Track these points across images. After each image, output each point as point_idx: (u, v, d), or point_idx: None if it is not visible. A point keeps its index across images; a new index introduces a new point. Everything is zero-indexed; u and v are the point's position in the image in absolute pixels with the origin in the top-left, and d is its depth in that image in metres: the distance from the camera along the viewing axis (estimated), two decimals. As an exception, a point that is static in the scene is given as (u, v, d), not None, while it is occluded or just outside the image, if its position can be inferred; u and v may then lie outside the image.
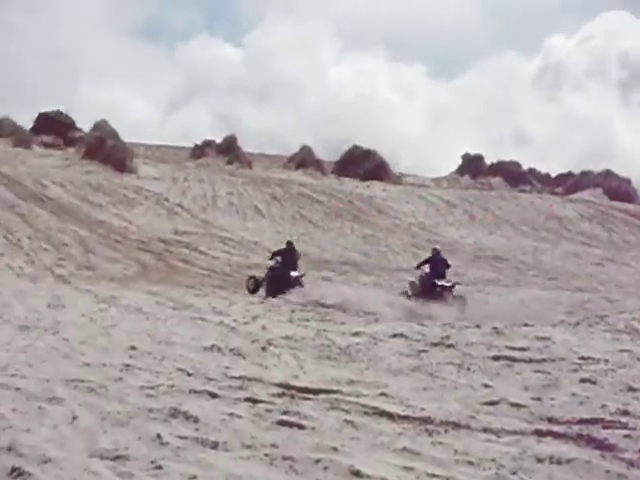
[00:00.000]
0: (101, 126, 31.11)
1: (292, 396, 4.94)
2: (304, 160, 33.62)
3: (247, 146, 35.15)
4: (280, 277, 10.98)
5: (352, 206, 25.03)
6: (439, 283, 10.52)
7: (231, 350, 6.47)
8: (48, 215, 18.44)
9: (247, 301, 10.50)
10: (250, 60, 74.84)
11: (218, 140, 34.78)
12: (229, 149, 34.08)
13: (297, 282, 11.00)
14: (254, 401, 4.84)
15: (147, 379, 5.55)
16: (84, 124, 34.47)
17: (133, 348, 6.50)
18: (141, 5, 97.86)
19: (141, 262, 14.98)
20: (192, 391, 5.19)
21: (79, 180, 24.02)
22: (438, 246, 12.11)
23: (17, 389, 5.15)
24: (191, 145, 36.29)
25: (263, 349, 6.59)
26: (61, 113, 35.96)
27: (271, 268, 11.27)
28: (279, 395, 4.98)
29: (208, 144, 35.19)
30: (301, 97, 74.00)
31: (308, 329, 7.86)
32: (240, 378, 5.45)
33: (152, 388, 5.30)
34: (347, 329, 7.85)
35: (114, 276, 13.01)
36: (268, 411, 4.62)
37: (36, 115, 35.37)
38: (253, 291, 11.36)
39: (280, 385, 5.22)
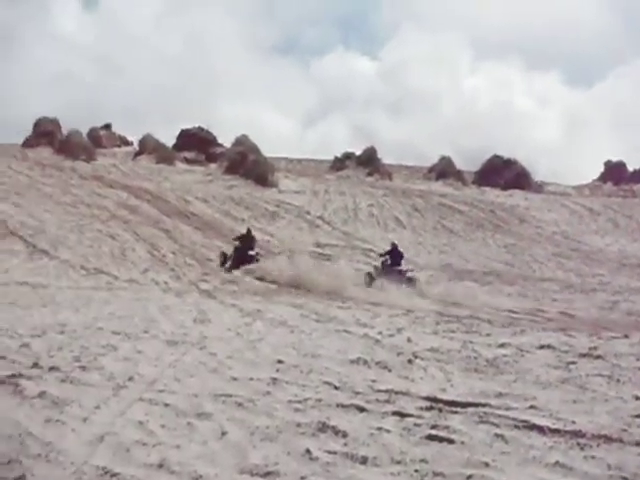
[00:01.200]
0: (242, 141, 34.72)
1: (440, 410, 5.32)
2: (444, 170, 36.72)
3: (385, 157, 38.87)
4: (241, 255, 16.13)
5: (494, 216, 27.12)
6: (396, 268, 15.55)
7: (377, 363, 7.05)
8: (192, 230, 20.87)
9: (391, 313, 11.32)
10: (385, 72, 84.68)
11: (357, 152, 38.53)
12: (369, 161, 37.51)
13: (253, 259, 16.19)
14: (402, 415, 5.27)
15: (294, 393, 6.19)
16: (225, 140, 38.99)
17: (280, 362, 7.27)
18: (277, 23, 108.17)
19: (274, 275, 16.00)
20: (339, 405, 5.75)
21: (221, 195, 27.01)
22: (396, 241, 17.50)
23: (166, 405, 5.90)
24: (331, 158, 40.05)
25: (409, 362, 7.12)
26: (202, 129, 40.51)
27: (236, 248, 16.36)
28: (427, 409, 5.38)
29: (348, 156, 38.73)
30: (437, 107, 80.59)
31: (454, 341, 8.39)
32: (387, 391, 5.94)
33: (300, 402, 5.91)
34: (493, 341, 8.32)
35: (257, 290, 14.21)
36: (416, 425, 5.02)
37: (178, 132, 40.56)
38: (222, 264, 16.24)
39: (428, 398, 5.63)
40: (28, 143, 38.13)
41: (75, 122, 39.90)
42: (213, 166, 35.86)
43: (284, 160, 39.50)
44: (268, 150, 34.59)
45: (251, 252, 16.39)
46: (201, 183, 30.66)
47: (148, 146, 38.54)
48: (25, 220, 19.71)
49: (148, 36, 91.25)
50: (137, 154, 38.36)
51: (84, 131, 38.40)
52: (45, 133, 38.47)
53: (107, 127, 43.84)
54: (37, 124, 39.22)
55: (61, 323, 9.42)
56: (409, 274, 15.52)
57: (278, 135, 74.23)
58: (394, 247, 16.40)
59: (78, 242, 17.86)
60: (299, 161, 42.85)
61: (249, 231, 17.23)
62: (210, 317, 10.41)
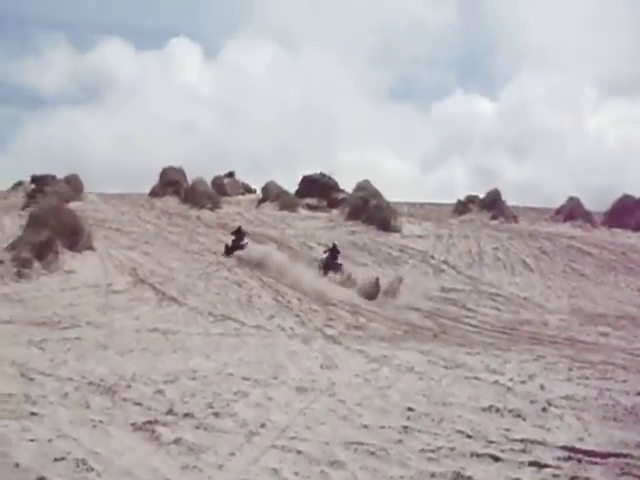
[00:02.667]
0: (364, 186, 36.04)
1: (579, 460, 5.46)
2: (572, 212, 36.77)
3: (509, 200, 39.38)
4: (236, 245, 24.48)
5: (625, 258, 27.08)
6: (335, 262, 22.84)
7: (510, 411, 7.27)
8: (314, 271, 21.92)
9: (521, 359, 11.40)
10: (506, 113, 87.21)
11: (480, 195, 39.39)
12: (493, 203, 38.14)
13: (243, 247, 24.33)
14: (539, 465, 5.48)
15: (427, 441, 6.53)
16: (346, 185, 40.64)
17: (410, 409, 7.64)
18: (393, 66, 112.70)
19: (409, 321, 16.82)
20: (474, 454, 6.04)
21: (344, 241, 27.99)
22: (336, 242, 24.72)
23: (298, 452, 6.38)
24: (452, 201, 41.10)
25: (543, 410, 7.29)
26: (324, 175, 42.30)
27: (233, 240, 24.76)
28: (565, 459, 5.54)
29: (471, 199, 39.50)
30: (561, 147, 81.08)
31: (589, 388, 8.40)
32: (522, 441, 6.17)
33: (433, 451, 6.24)
34: (630, 387, 8.27)
35: (383, 336, 14.76)
36: (555, 476, 5.24)
37: (300, 178, 42.68)
38: (226, 253, 24.20)
39: (565, 448, 5.79)
40: (155, 192, 41.70)
41: (199, 171, 42.93)
42: (335, 212, 37.23)
43: (406, 205, 40.56)
44: (389, 195, 35.74)
45: (242, 242, 24.74)
46: (324, 229, 31.99)
47: (271, 193, 40.71)
48: (154, 268, 21.60)
49: (266, 83, 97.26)
50: (261, 201, 40.62)
51: (208, 179, 41.33)
52: (171, 182, 41.91)
53: (231, 175, 46.82)
54: (163, 174, 42.85)
55: (192, 369, 10.36)
56: (341, 266, 22.88)
57: (398, 179, 76.08)
58: (334, 246, 23.74)
59: (205, 289, 19.24)
60: (421, 205, 44.07)
61: (240, 228, 26.28)
62: (337, 363, 11.01)
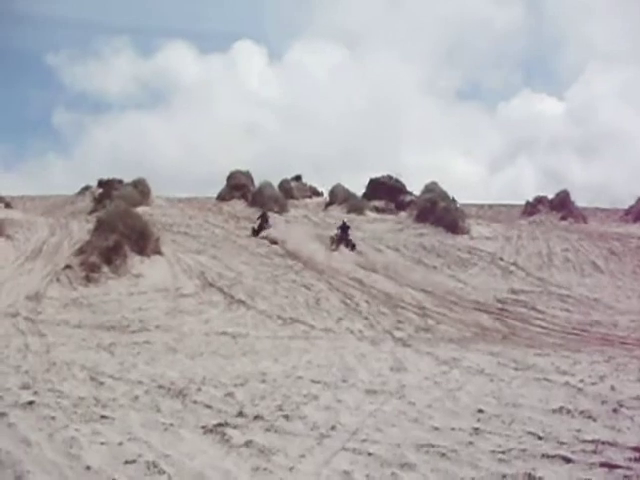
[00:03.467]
0: (431, 188, 36.31)
1: (651, 461, 5.42)
2: None
3: (578, 200, 40.07)
4: (260, 227, 29.55)
5: None
6: (346, 237, 26.97)
7: (581, 412, 7.41)
8: (384, 279, 22.32)
9: (591, 360, 11.45)
10: (574, 112, 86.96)
11: (549, 195, 40.15)
12: (562, 204, 38.79)
13: (269, 227, 29.68)
14: (610, 466, 5.59)
15: (497, 443, 6.68)
16: (414, 187, 41.12)
17: (480, 411, 7.81)
18: (458, 67, 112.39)
19: (478, 322, 17.02)
20: (545, 455, 6.17)
21: (413, 243, 28.44)
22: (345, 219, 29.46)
23: (369, 454, 6.58)
24: (520, 202, 41.84)
25: (614, 411, 7.42)
26: (391, 178, 42.59)
27: (259, 223, 30.03)
28: (636, 460, 5.65)
29: (540, 200, 40.10)
30: (631, 146, 79.71)
31: None
32: (593, 442, 6.30)
33: (504, 452, 6.40)
34: None
35: (452, 338, 15.03)
36: (627, 477, 5.35)
37: (367, 181, 43.01)
38: (254, 233, 29.48)
39: (636, 449, 5.90)
40: (222, 196, 42.80)
41: (266, 174, 44.01)
42: (403, 214, 37.55)
43: (474, 206, 40.98)
44: (457, 196, 35.94)
45: (266, 224, 29.96)
46: (392, 232, 32.27)
47: (338, 196, 41.20)
48: (222, 272, 22.25)
49: (331, 85, 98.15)
50: (328, 204, 41.17)
51: (275, 183, 42.08)
52: (238, 186, 42.95)
53: (297, 178, 47.55)
54: (230, 177, 43.93)
55: (262, 372, 10.72)
56: (352, 241, 27.10)
57: (466, 180, 75.79)
58: (343, 223, 28.17)
59: (274, 292, 19.77)
60: (490, 206, 44.56)
61: (264, 213, 31.26)
62: (406, 365, 11.27)
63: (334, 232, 27.75)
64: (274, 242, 27.48)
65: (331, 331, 15.73)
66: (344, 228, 27.65)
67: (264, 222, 30.18)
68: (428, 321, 17.09)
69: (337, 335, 15.28)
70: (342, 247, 26.80)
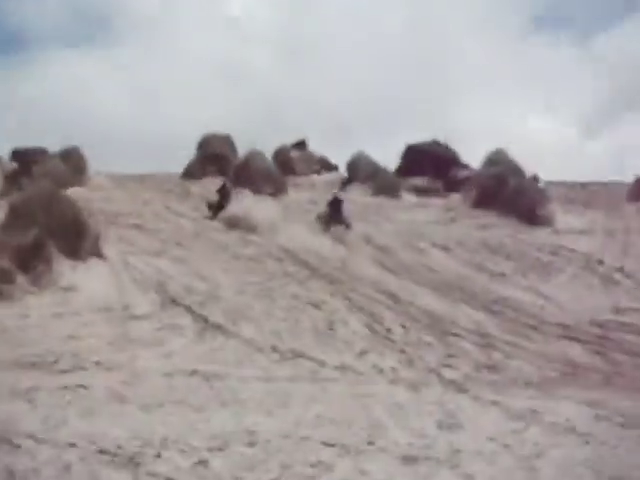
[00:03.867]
0: (497, 159, 36.80)
1: None
2: None
3: None
4: (220, 204, 32.36)
5: None
6: (338, 214, 29.91)
7: None
8: (428, 293, 22.32)
9: None
10: None
11: None
12: None
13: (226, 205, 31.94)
14: None
15: None
16: (471, 158, 42.18)
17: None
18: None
19: (568, 357, 16.95)
20: None
21: (470, 240, 28.65)
22: (338, 194, 32.86)
23: None
24: (629, 179, 40.99)
25: None
26: (438, 144, 42.57)
27: (218, 199, 32.89)
28: None
29: None
30: None
31: None
32: None
33: None
34: None
35: (530, 379, 14.98)
36: None
37: (403, 149, 43.08)
38: (211, 213, 32.15)
39: None
40: (191, 172, 43.17)
41: (255, 139, 44.22)
42: (455, 197, 37.95)
43: (560, 185, 40.60)
44: (535, 171, 36.10)
45: (225, 201, 32.46)
46: (438, 223, 32.61)
47: (360, 171, 41.30)
48: (191, 283, 22.26)
49: (351, 9, 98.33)
50: (345, 183, 41.19)
51: (268, 152, 42.36)
52: (214, 157, 43.21)
53: (301, 145, 47.71)
54: (203, 144, 44.22)
55: (249, 430, 10.74)
56: (347, 220, 30.00)
57: (548, 148, 75.19)
58: (334, 197, 31.42)
59: (266, 313, 19.80)
60: (583, 186, 44.29)
61: (225, 184, 34.22)
62: (461, 421, 11.31)
63: (321, 209, 30.83)
64: (241, 225, 29.65)
65: (350, 370, 15.71)
66: (335, 204, 30.68)
67: (225, 197, 32.83)
68: (493, 355, 17.13)
69: (359, 376, 15.26)
70: (361, 245, 27.35)
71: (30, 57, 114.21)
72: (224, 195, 32.95)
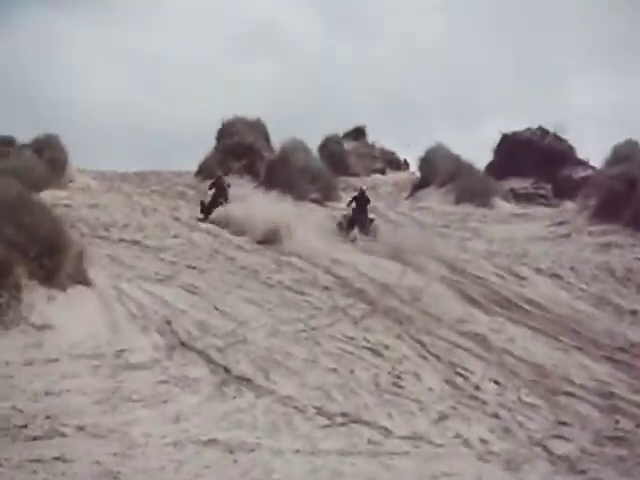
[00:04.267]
0: (625, 154, 37.15)
1: None
2: None
3: None
4: (213, 202, 36.23)
5: None
6: (364, 215, 33.81)
7: None
8: (529, 334, 22.48)
9: None
10: None
11: None
12: None
13: (221, 203, 35.91)
14: None
15: None
16: (589, 152, 43.48)
17: None
18: None
19: None
20: None
21: (590, 263, 28.89)
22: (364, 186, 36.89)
23: None
24: None
25: None
26: (545, 132, 42.72)
27: (212, 196, 36.84)
28: None
29: None
30: None
31: None
32: None
33: None
34: None
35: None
36: None
37: (497, 138, 43.80)
38: (202, 212, 35.71)
39: None
40: (207, 169, 43.84)
41: (294, 126, 44.41)
42: (569, 205, 38.25)
43: None
44: None
45: (221, 200, 35.78)
46: (546, 240, 32.86)
47: (439, 169, 41.34)
48: (208, 319, 22.36)
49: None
50: (418, 186, 41.18)
51: (313, 144, 42.92)
52: (239, 150, 43.65)
53: (357, 134, 47.76)
54: (223, 132, 44.72)
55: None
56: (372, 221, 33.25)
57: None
58: (362, 192, 34.14)
59: (309, 361, 19.91)
60: None
61: (220, 177, 37.45)
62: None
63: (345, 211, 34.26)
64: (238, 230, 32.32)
65: (425, 440, 15.70)
66: (360, 200, 34.23)
67: (221, 193, 36.17)
68: (620, 422, 16.96)
69: (437, 449, 15.25)
70: (439, 270, 27.49)
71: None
72: (220, 190, 36.02)
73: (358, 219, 32.82)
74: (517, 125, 43.40)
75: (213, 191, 36.15)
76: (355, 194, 34.71)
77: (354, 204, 33.85)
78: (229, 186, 36.43)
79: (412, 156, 45.49)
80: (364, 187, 35.64)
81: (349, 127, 48.08)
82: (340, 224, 33.35)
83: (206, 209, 34.72)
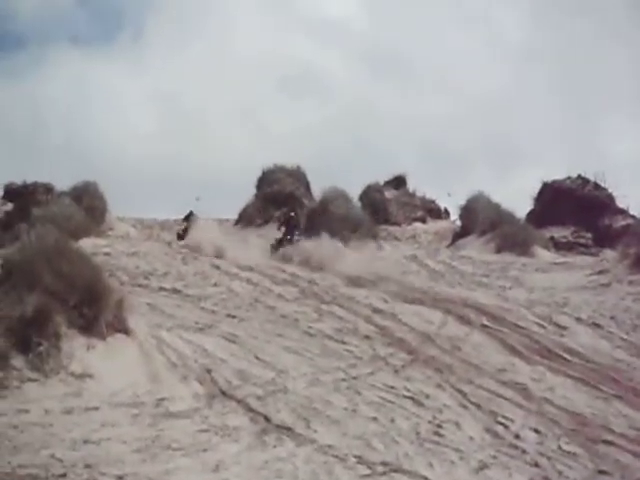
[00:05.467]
0: None
1: None
2: None
3: None
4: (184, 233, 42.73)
5: None
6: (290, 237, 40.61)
7: None
8: (571, 384, 22.24)
9: None
10: None
11: None
12: None
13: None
14: None
15: None
16: (630, 200, 42.86)
17: None
18: None
19: None
20: None
21: (629, 314, 28.47)
22: (292, 214, 42.04)
23: None
24: None
25: None
26: (585, 181, 42.94)
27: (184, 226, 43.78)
28: None
29: None
30: None
31: None
32: None
33: None
34: None
35: None
36: None
37: (537, 186, 43.63)
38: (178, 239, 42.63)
39: None
40: (248, 218, 43.87)
41: (335, 175, 44.55)
42: (609, 254, 37.97)
43: None
44: None
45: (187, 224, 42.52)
46: (586, 289, 32.58)
47: (480, 218, 41.34)
48: (248, 369, 22.31)
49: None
50: (459, 235, 41.10)
51: (354, 191, 43.01)
52: (279, 198, 43.73)
53: (398, 183, 47.93)
54: (263, 181, 44.82)
55: None
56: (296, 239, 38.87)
57: None
58: (290, 214, 40.31)
59: (350, 411, 19.79)
60: None
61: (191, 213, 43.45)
62: None
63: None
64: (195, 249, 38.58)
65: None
66: (290, 221, 40.42)
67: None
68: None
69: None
70: (479, 318, 27.37)
71: (27, 58, 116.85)
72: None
73: (286, 237, 39.18)
74: (555, 174, 43.14)
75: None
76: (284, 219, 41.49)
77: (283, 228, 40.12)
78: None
79: (452, 205, 45.47)
80: (292, 213, 41.42)
81: (390, 176, 48.16)
82: (272, 245, 39.11)
83: (181, 236, 40.74)
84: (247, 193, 45.19)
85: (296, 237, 38.28)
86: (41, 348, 20.80)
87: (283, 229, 39.70)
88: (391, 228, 42.31)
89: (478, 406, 20.34)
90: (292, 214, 40.39)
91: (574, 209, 41.59)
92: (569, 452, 17.79)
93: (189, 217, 42.74)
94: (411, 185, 48.54)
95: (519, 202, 42.08)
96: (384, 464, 16.71)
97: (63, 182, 40.53)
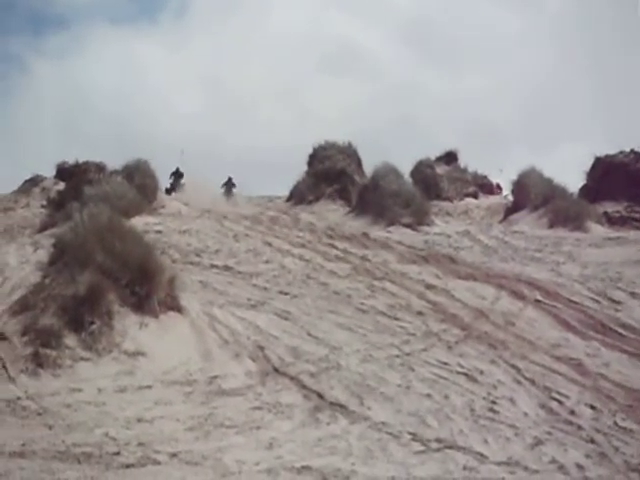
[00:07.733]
0: None
1: None
2: None
3: None
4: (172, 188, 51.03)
5: None
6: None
7: None
8: (626, 360, 22.02)
9: None
10: None
11: None
12: None
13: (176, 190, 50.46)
14: None
15: None
16: None
17: None
18: None
19: None
20: None
21: None
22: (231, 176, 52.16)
23: None
24: None
25: None
26: (638, 155, 41.91)
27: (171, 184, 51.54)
28: None
29: None
30: None
31: None
32: None
33: None
34: None
35: None
36: None
37: (589, 161, 43.07)
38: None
39: None
40: (299, 195, 43.74)
41: (386, 149, 44.42)
42: None
43: None
44: None
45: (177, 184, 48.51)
46: (637, 264, 32.05)
47: (532, 194, 40.92)
48: (301, 345, 22.31)
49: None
50: (510, 210, 40.78)
51: (405, 167, 42.76)
52: (330, 175, 43.61)
53: (449, 159, 47.78)
54: (314, 158, 44.68)
55: None
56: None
57: None
58: (229, 179, 51.12)
59: (404, 388, 19.75)
60: None
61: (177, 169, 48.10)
62: None
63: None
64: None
65: (520, 466, 15.54)
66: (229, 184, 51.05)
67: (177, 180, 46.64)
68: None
69: (532, 475, 15.11)
70: (532, 294, 27.19)
71: (68, 37, 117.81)
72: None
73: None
74: (609, 147, 42.78)
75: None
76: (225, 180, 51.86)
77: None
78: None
79: (504, 180, 45.09)
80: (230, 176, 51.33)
81: (440, 151, 47.92)
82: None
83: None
84: (295, 171, 44.90)
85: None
86: (94, 327, 20.96)
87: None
88: (443, 204, 42.06)
89: (532, 382, 20.21)
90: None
91: (627, 183, 41.22)
92: (625, 428, 17.65)
93: (176, 173, 47.23)
94: (462, 161, 48.15)
95: (564, 177, 41.61)
96: (438, 441, 16.66)
97: (114, 160, 40.66)
